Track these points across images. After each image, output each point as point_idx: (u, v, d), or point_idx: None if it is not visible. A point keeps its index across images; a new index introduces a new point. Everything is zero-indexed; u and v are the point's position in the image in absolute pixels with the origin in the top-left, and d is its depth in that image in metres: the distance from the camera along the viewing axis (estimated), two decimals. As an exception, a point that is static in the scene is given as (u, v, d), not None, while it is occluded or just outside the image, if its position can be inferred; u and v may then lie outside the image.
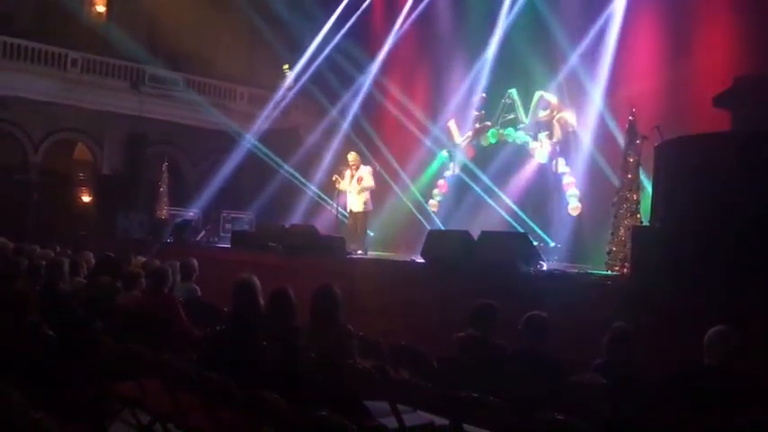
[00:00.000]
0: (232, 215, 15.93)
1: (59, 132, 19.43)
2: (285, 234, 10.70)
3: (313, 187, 15.49)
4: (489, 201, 12.76)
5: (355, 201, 11.16)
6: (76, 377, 4.15)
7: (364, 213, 11.20)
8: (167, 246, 12.50)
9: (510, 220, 12.20)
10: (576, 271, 8.58)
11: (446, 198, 14.41)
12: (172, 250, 11.09)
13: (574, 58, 11.44)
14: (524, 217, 12.10)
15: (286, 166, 16.24)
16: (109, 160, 19.83)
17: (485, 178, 13.04)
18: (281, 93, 17.80)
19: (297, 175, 16.09)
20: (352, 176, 11.18)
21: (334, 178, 11.41)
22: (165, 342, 4.56)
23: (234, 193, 17.03)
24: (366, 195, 11.12)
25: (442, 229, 12.85)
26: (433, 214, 14.24)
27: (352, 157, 11.39)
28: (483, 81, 13.38)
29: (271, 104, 17.74)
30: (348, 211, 11.40)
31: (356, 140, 14.44)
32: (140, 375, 4.19)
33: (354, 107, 15.56)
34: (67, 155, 20.55)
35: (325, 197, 14.37)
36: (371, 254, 11.27)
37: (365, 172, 11.14)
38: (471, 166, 13.67)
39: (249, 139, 17.19)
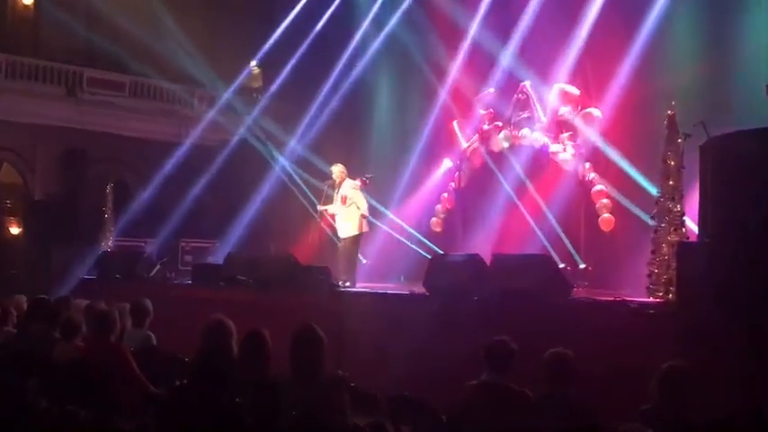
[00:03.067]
0: (192, 244, 15.90)
1: (-20, 151, 19.41)
2: (258, 265, 10.67)
3: (296, 205, 15.45)
4: (505, 217, 12.75)
5: (342, 224, 11.09)
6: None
7: (354, 238, 11.08)
8: (115, 284, 12.46)
9: (539, 234, 12.09)
10: (611, 298, 8.57)
11: (452, 215, 14.42)
12: (121, 289, 11.05)
13: (600, 44, 11.52)
14: (559, 231, 11.95)
15: (285, 175, 16.22)
16: (42, 183, 19.71)
17: (498, 189, 13.05)
18: (248, 96, 17.88)
19: (272, 194, 16.08)
20: (342, 197, 11.03)
21: (320, 209, 11.49)
22: (113, 402, 4.53)
23: (195, 218, 16.98)
24: (355, 216, 10.93)
25: (448, 253, 12.82)
26: (433, 238, 14.22)
27: (336, 171, 11.21)
28: (491, 73, 13.45)
29: (237, 110, 17.80)
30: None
31: (339, 148, 14.44)
32: (84, 444, 4.16)
33: (337, 108, 15.60)
34: (-9, 178, 20.52)
35: (311, 217, 14.28)
36: (361, 286, 11.17)
37: (349, 188, 11.01)
38: (481, 175, 13.69)
39: (212, 154, 17.21)
